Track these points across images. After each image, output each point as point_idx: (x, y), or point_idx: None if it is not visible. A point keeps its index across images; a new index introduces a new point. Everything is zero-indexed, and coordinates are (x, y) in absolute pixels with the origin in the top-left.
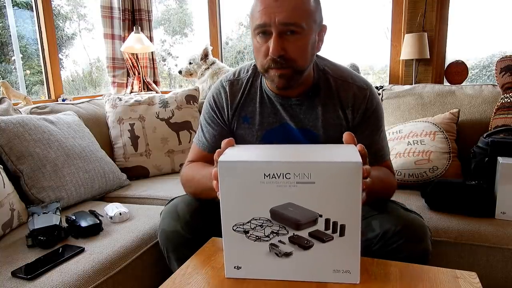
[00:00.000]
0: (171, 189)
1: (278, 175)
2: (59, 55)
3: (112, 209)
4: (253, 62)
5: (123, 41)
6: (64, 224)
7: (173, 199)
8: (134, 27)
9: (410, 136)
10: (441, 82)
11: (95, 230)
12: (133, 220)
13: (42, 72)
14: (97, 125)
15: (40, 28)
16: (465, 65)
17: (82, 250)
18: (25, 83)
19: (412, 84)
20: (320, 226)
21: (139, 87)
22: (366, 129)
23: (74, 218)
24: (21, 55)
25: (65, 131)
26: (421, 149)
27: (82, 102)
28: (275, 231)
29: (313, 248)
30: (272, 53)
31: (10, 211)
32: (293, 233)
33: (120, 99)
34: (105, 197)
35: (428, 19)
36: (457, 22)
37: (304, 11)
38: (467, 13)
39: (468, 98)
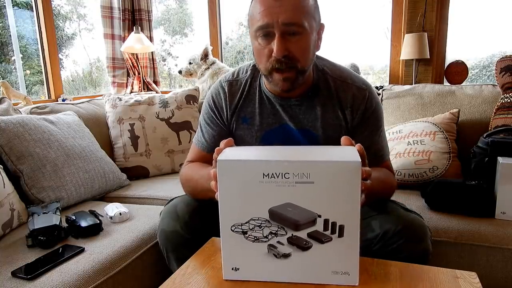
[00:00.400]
0: (171, 189)
1: (277, 175)
2: (59, 55)
3: (112, 209)
4: (252, 62)
5: (123, 41)
6: (64, 224)
7: (172, 199)
8: (134, 27)
9: (410, 136)
10: (441, 82)
11: (95, 230)
12: (133, 220)
13: (42, 72)
14: (97, 125)
15: (40, 28)
16: (465, 65)
17: (82, 250)
18: (25, 83)
19: (412, 84)
20: (319, 226)
21: (139, 87)
22: (366, 130)
23: (74, 218)
24: (21, 55)
25: (65, 131)
26: (421, 149)
27: (82, 102)
28: (273, 231)
29: (312, 249)
30: (276, 53)
31: (10, 211)
32: (292, 234)
33: (120, 99)
34: (105, 197)
35: (428, 19)
36: (457, 22)
37: (305, 10)
38: (467, 13)
39: (468, 98)
